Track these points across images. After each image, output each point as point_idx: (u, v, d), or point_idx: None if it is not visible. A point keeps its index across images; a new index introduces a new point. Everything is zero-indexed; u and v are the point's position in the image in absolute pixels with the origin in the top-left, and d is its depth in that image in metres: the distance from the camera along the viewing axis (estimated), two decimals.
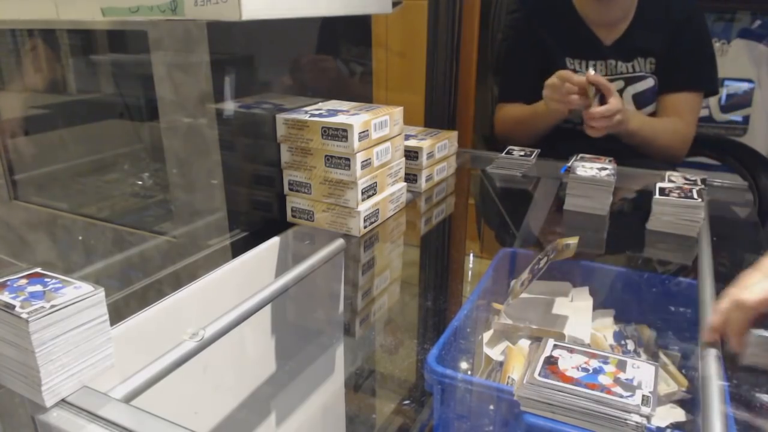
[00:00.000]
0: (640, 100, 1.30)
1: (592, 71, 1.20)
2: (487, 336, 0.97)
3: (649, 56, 1.29)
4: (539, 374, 0.66)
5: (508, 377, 0.84)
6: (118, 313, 0.57)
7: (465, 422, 0.81)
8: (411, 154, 1.02)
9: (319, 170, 0.83)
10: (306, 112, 0.85)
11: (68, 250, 1.05)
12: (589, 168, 1.06)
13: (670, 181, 1.04)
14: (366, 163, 0.82)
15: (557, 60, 1.32)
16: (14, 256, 1.06)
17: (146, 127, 0.99)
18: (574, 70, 1.31)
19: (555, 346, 0.71)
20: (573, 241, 0.93)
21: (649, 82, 1.29)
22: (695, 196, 0.96)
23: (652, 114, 1.31)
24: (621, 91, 1.30)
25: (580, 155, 1.14)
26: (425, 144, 1.02)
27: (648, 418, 0.60)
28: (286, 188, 0.87)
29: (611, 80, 1.29)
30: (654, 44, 1.29)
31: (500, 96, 1.47)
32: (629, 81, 1.29)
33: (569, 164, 1.09)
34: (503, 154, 1.25)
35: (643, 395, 0.62)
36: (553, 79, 1.17)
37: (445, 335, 0.86)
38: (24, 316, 0.43)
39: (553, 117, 1.26)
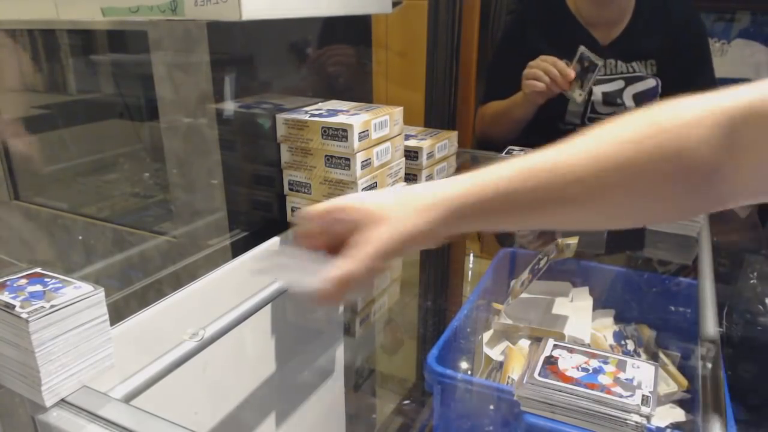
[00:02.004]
0: (640, 100, 1.30)
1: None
2: (487, 336, 0.97)
3: (649, 58, 1.29)
4: (539, 374, 0.66)
5: (508, 377, 0.84)
6: (118, 313, 0.57)
7: (465, 422, 0.81)
8: (411, 154, 1.02)
9: (319, 170, 0.83)
10: (306, 112, 0.85)
11: (68, 250, 1.05)
12: None
13: None
14: (366, 163, 0.82)
15: None
16: (14, 256, 1.06)
17: (146, 127, 0.99)
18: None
19: (555, 346, 0.72)
20: (573, 241, 0.93)
21: (650, 83, 1.29)
22: None
23: None
24: (621, 91, 1.30)
25: None
26: (425, 144, 1.02)
27: (648, 418, 0.60)
28: (286, 188, 0.87)
29: (611, 79, 1.29)
30: (653, 45, 1.28)
31: (484, 97, 1.47)
32: (629, 81, 1.29)
33: None
34: (503, 154, 1.25)
35: (643, 395, 0.62)
36: (536, 61, 1.18)
37: (445, 335, 0.86)
38: (24, 315, 0.43)
39: (529, 104, 1.26)
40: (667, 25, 1.28)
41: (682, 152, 0.43)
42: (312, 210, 0.51)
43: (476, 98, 1.67)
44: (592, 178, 0.45)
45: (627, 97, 1.30)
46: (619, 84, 1.30)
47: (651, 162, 0.44)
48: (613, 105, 1.29)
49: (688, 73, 1.29)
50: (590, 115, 1.30)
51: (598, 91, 1.28)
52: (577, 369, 0.67)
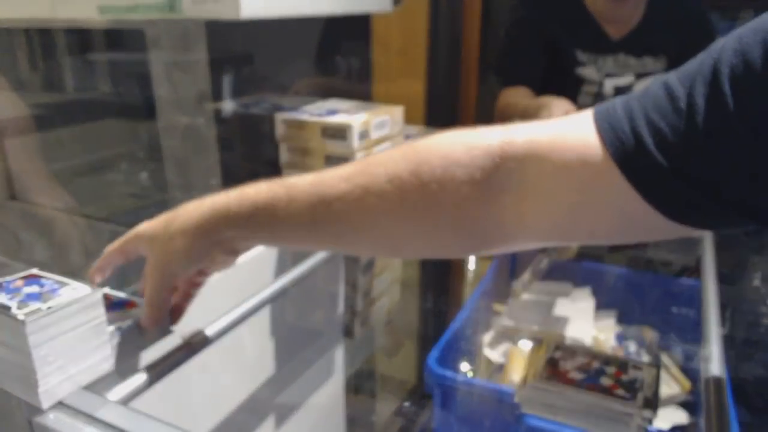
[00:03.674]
0: None
1: None
2: (487, 337, 0.97)
3: (660, 54, 1.30)
4: (540, 376, 0.66)
5: (509, 379, 0.84)
6: None
7: (465, 424, 0.80)
8: None
9: (319, 170, 0.83)
10: (305, 112, 0.84)
11: (66, 250, 1.05)
12: None
13: None
14: None
15: (567, 51, 1.31)
16: (11, 256, 1.06)
17: (144, 127, 0.99)
18: (584, 63, 1.30)
19: (556, 348, 0.71)
20: None
21: None
22: None
23: None
24: (631, 86, 1.30)
25: None
26: None
27: (650, 420, 0.60)
28: None
29: (621, 74, 1.29)
30: (664, 43, 1.29)
31: (506, 81, 1.42)
32: (640, 76, 1.30)
33: None
34: None
35: (645, 397, 0.62)
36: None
37: (446, 337, 0.85)
38: (20, 317, 0.42)
39: None
40: (678, 23, 1.29)
41: (443, 187, 0.42)
42: (110, 250, 0.56)
43: (477, 97, 1.66)
44: (353, 200, 0.45)
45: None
46: (629, 79, 1.30)
47: (412, 193, 0.43)
48: None
49: None
50: None
51: (610, 85, 1.28)
52: (579, 371, 0.67)
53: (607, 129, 0.39)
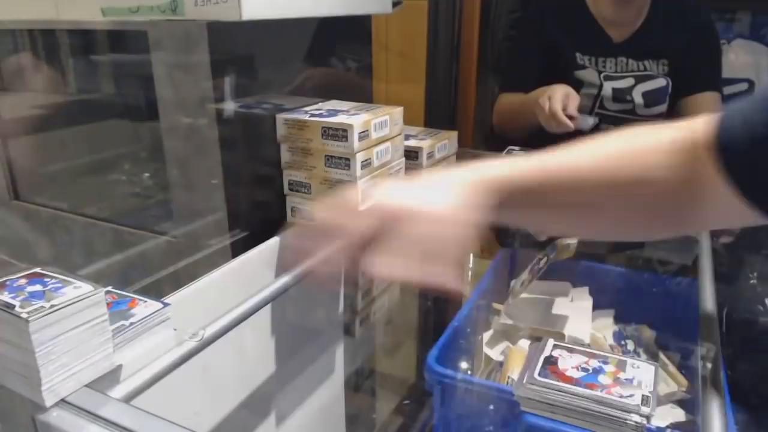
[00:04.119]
0: (649, 99, 1.30)
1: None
2: (487, 336, 0.97)
3: (662, 58, 1.29)
4: (539, 374, 0.66)
5: (508, 377, 0.84)
6: None
7: (465, 422, 0.81)
8: (411, 154, 1.01)
9: (319, 170, 0.83)
10: (306, 112, 0.85)
11: (69, 250, 1.05)
12: None
13: None
14: (366, 163, 0.82)
15: (567, 54, 1.31)
16: (14, 256, 1.06)
17: (146, 128, 0.99)
18: (584, 66, 1.30)
19: (555, 346, 0.72)
20: (573, 241, 0.93)
21: (660, 82, 1.29)
22: None
23: (663, 114, 1.31)
24: (631, 88, 1.30)
25: None
26: (425, 144, 1.02)
27: (648, 417, 0.60)
28: (286, 188, 0.87)
29: (621, 77, 1.29)
30: (666, 46, 1.28)
31: (503, 85, 1.44)
32: (639, 79, 1.29)
33: None
34: (503, 155, 1.25)
35: (643, 395, 0.62)
36: (553, 98, 1.15)
37: (445, 335, 0.86)
38: (24, 315, 0.43)
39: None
40: (682, 28, 1.28)
41: (645, 174, 0.48)
42: (360, 218, 0.49)
43: (477, 98, 1.67)
44: (588, 188, 0.51)
45: (636, 95, 1.30)
46: (629, 81, 1.30)
47: (627, 179, 0.49)
48: (623, 102, 1.28)
49: (697, 78, 1.29)
50: (598, 111, 1.30)
51: (609, 87, 1.28)
52: (577, 369, 0.67)
53: (718, 126, 0.45)
